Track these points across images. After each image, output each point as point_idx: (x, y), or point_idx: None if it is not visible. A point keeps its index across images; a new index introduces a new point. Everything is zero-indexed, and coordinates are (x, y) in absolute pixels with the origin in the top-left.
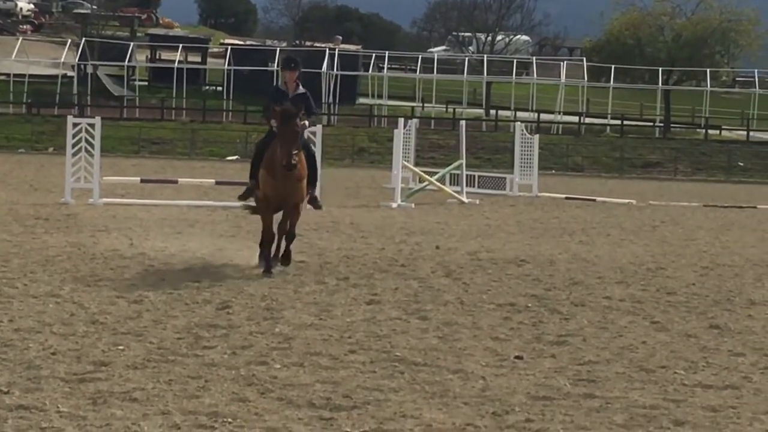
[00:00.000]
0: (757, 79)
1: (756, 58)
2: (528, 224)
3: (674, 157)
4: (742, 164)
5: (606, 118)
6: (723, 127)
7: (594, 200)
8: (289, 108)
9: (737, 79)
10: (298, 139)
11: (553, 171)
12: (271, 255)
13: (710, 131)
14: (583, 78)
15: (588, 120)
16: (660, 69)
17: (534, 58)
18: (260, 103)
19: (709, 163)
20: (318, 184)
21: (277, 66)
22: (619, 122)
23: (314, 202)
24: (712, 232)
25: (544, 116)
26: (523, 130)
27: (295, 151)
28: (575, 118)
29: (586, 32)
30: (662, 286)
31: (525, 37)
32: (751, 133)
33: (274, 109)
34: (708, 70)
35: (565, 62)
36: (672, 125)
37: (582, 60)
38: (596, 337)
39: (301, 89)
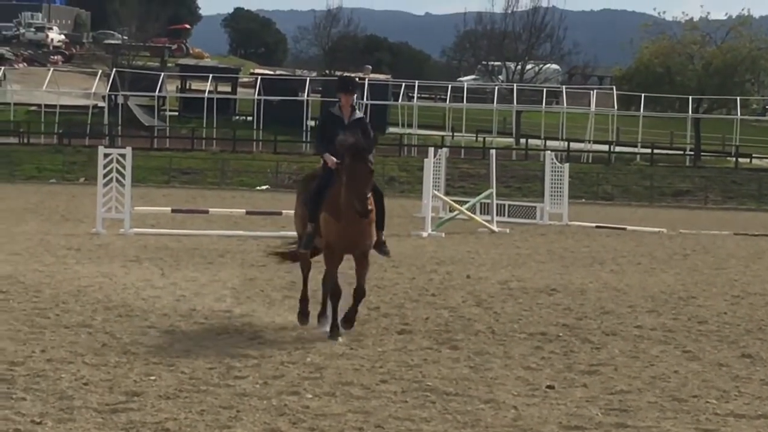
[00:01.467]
0: None
1: None
2: (558, 253)
3: (705, 185)
4: None
5: (636, 146)
6: (754, 155)
7: (624, 229)
8: (359, 141)
9: (767, 107)
10: (372, 179)
11: (583, 200)
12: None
13: (741, 159)
14: (613, 106)
15: (618, 148)
16: (690, 97)
17: (564, 86)
18: (290, 132)
19: (739, 192)
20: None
21: (305, 94)
22: (649, 151)
23: (381, 248)
24: (743, 260)
25: (573, 145)
26: (553, 159)
27: (369, 195)
28: (605, 147)
29: (615, 61)
30: (693, 314)
31: (555, 66)
32: None
33: (341, 143)
34: (738, 98)
35: (595, 91)
36: (702, 153)
37: (612, 88)
38: (628, 367)
39: (358, 113)
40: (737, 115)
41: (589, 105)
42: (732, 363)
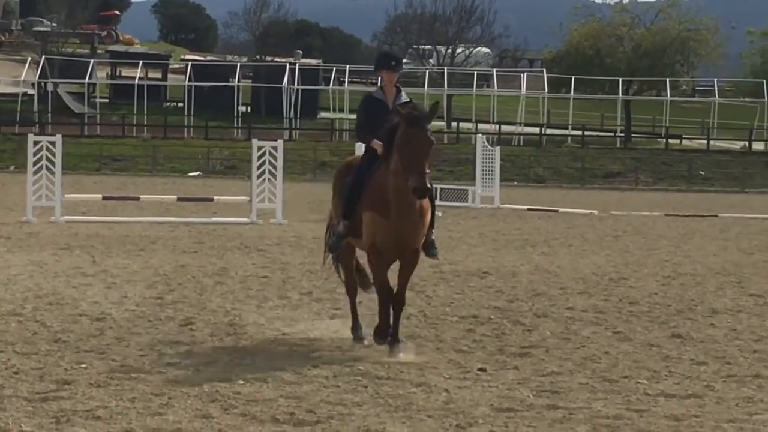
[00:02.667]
0: (716, 88)
1: (715, 67)
2: (490, 236)
3: (635, 167)
4: (703, 173)
5: (567, 128)
6: (684, 136)
7: (556, 211)
8: (416, 108)
9: (697, 88)
10: (431, 150)
11: (515, 182)
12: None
13: (671, 141)
14: (544, 89)
15: (549, 131)
16: (620, 79)
17: (494, 70)
18: (222, 118)
19: (670, 173)
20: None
21: (236, 80)
22: (580, 133)
23: (430, 249)
24: (673, 241)
25: (505, 128)
26: (484, 142)
27: (428, 170)
28: (536, 130)
29: (545, 44)
30: (624, 296)
31: (485, 50)
32: (712, 142)
33: (397, 110)
34: (668, 79)
35: (526, 74)
36: (633, 135)
37: (542, 71)
38: (559, 348)
39: (404, 96)
40: (667, 96)
41: (520, 88)
42: (662, 343)
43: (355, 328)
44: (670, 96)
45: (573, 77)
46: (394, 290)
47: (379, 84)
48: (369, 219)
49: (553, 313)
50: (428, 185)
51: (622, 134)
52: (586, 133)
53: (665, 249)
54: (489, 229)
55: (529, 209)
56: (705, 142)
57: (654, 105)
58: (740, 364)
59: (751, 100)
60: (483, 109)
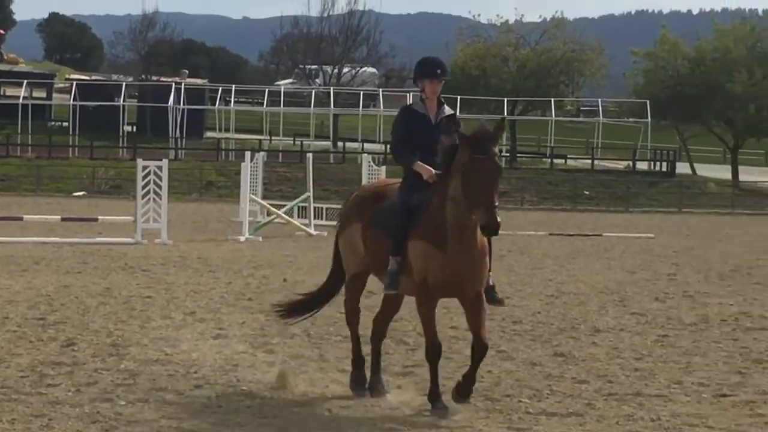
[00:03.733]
0: (601, 108)
1: (600, 88)
2: None
3: (521, 186)
4: (587, 193)
5: None
6: (568, 156)
7: None
8: (483, 128)
9: (582, 108)
10: (499, 179)
11: None
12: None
13: (556, 160)
14: None
15: None
16: (505, 99)
17: (380, 89)
18: (107, 138)
19: (555, 192)
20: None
21: (122, 99)
22: None
23: (491, 293)
24: (558, 260)
25: None
26: (370, 162)
27: (497, 202)
28: None
29: None
30: (508, 314)
31: (371, 69)
32: (596, 162)
33: (462, 135)
34: (553, 99)
35: (412, 93)
36: (518, 155)
37: None
38: (442, 367)
39: (447, 109)
40: (552, 116)
41: None
42: (545, 362)
43: (357, 378)
44: (555, 116)
45: (459, 97)
46: (474, 338)
47: (419, 95)
48: (421, 249)
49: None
50: (498, 221)
51: (508, 154)
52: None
53: (549, 268)
54: None
55: None
56: (589, 161)
57: (539, 125)
58: (621, 383)
59: (634, 120)
60: (369, 128)
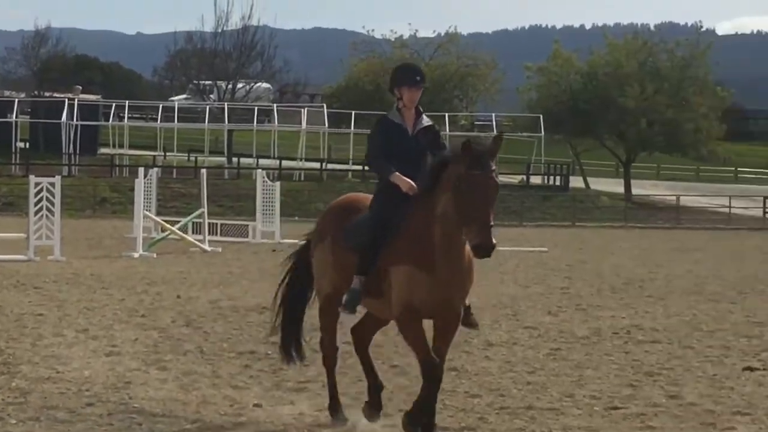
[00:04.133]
0: (495, 123)
1: (494, 102)
2: (270, 271)
3: None
4: None
5: (348, 163)
6: None
7: None
8: (478, 141)
9: (476, 123)
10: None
11: (296, 218)
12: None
13: None
14: (324, 124)
15: (330, 166)
16: None
17: (275, 105)
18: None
19: None
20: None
21: (14, 116)
22: (360, 168)
23: (468, 315)
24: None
25: (286, 163)
26: (264, 178)
27: (492, 222)
28: (317, 165)
29: (326, 79)
30: None
31: (266, 85)
32: None
33: (466, 145)
34: (447, 114)
35: (306, 109)
36: None
37: (323, 106)
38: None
39: (426, 119)
40: (446, 131)
41: (301, 123)
42: None
43: (335, 407)
44: (450, 131)
45: (353, 112)
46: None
47: (396, 104)
48: (405, 274)
49: None
50: (494, 241)
51: None
52: (367, 168)
53: None
54: (269, 265)
55: None
56: None
57: None
58: (513, 396)
59: (528, 134)
60: (264, 144)
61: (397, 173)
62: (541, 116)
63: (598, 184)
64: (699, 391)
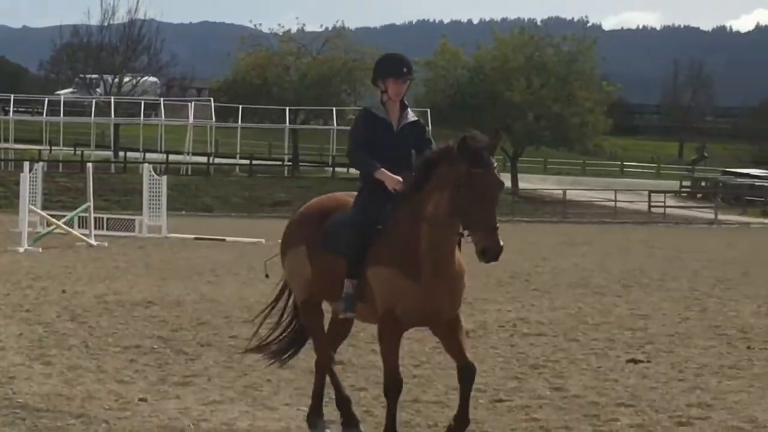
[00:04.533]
0: None
1: None
2: (156, 265)
3: (303, 195)
4: None
5: (235, 157)
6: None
7: (224, 240)
8: (478, 135)
9: None
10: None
11: (183, 212)
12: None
13: (338, 169)
14: (212, 118)
15: (217, 160)
16: (287, 108)
17: (162, 99)
18: None
19: None
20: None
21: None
22: (247, 162)
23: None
24: None
25: (173, 157)
26: (151, 172)
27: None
28: (204, 159)
29: (214, 73)
30: None
31: (153, 78)
32: None
33: (466, 141)
34: (334, 108)
35: (193, 103)
36: (300, 164)
37: (210, 100)
38: (221, 377)
39: (411, 114)
40: (334, 125)
41: (188, 117)
42: None
43: (316, 414)
44: (337, 125)
45: (240, 106)
46: (458, 362)
47: (380, 97)
48: (387, 277)
49: (217, 342)
50: (501, 244)
51: (290, 163)
52: (254, 162)
53: None
54: (155, 259)
55: (196, 238)
56: None
57: (321, 134)
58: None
59: None
60: (150, 138)
61: (382, 169)
62: (429, 110)
63: None
64: (583, 383)
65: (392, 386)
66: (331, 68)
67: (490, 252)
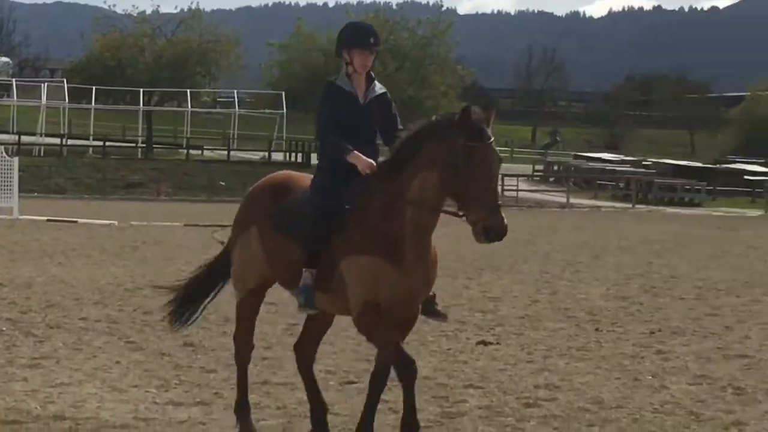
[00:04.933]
0: (237, 100)
1: (236, 79)
2: (7, 247)
3: (157, 177)
4: (223, 183)
5: (88, 139)
6: (205, 147)
7: (76, 222)
8: (476, 109)
9: (218, 99)
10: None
11: (36, 193)
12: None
13: (192, 151)
14: (65, 99)
15: (70, 141)
16: (141, 90)
17: (14, 79)
18: None
19: (191, 183)
20: None
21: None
22: (101, 143)
23: (433, 307)
24: (192, 251)
25: (25, 138)
26: (2, 153)
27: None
28: (57, 140)
29: (67, 54)
30: (140, 305)
31: (5, 59)
32: (232, 153)
33: (467, 113)
34: (189, 90)
35: (46, 84)
36: (154, 146)
37: (63, 81)
38: (70, 359)
39: (379, 86)
40: (188, 107)
41: (41, 98)
42: (174, 352)
43: (243, 407)
44: (192, 107)
45: (94, 87)
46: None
47: (344, 70)
48: (368, 266)
49: (66, 324)
50: (506, 222)
51: (144, 145)
52: (108, 143)
53: (183, 258)
54: (6, 240)
55: (48, 220)
56: (226, 152)
57: (175, 116)
58: (250, 371)
59: (270, 111)
60: (2, 119)
61: (355, 151)
62: (284, 93)
63: None
64: (433, 365)
65: (407, 368)
66: (185, 50)
67: (494, 231)
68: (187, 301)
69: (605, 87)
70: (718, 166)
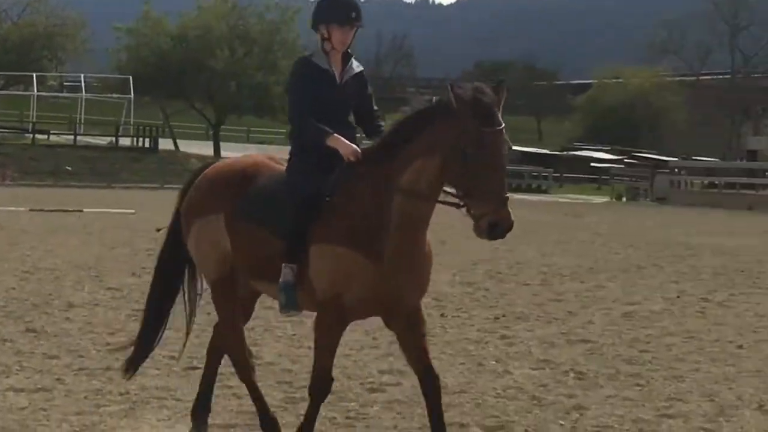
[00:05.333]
0: (84, 84)
1: (83, 63)
2: None
3: (2, 162)
4: (69, 169)
5: None
6: (51, 131)
7: None
8: (486, 89)
9: (65, 83)
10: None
11: None
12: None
13: (38, 136)
14: None
15: None
16: None
17: None
18: None
19: (37, 168)
20: None
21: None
22: None
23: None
24: (36, 236)
25: None
26: None
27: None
28: None
29: None
30: None
31: None
32: (79, 138)
33: (452, 88)
34: (35, 74)
35: None
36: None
37: None
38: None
39: (356, 65)
40: (34, 91)
41: None
42: (16, 338)
43: (201, 407)
44: (38, 91)
45: None
46: (420, 370)
47: (320, 45)
48: (338, 257)
49: None
50: (512, 218)
51: None
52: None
53: (27, 243)
54: None
55: None
56: (72, 137)
57: (21, 100)
58: (92, 357)
59: (118, 96)
60: None
61: (335, 135)
62: (131, 78)
63: (189, 147)
64: (278, 351)
65: (322, 387)
66: (31, 33)
67: (499, 227)
68: (147, 340)
69: (455, 74)
70: (565, 153)
